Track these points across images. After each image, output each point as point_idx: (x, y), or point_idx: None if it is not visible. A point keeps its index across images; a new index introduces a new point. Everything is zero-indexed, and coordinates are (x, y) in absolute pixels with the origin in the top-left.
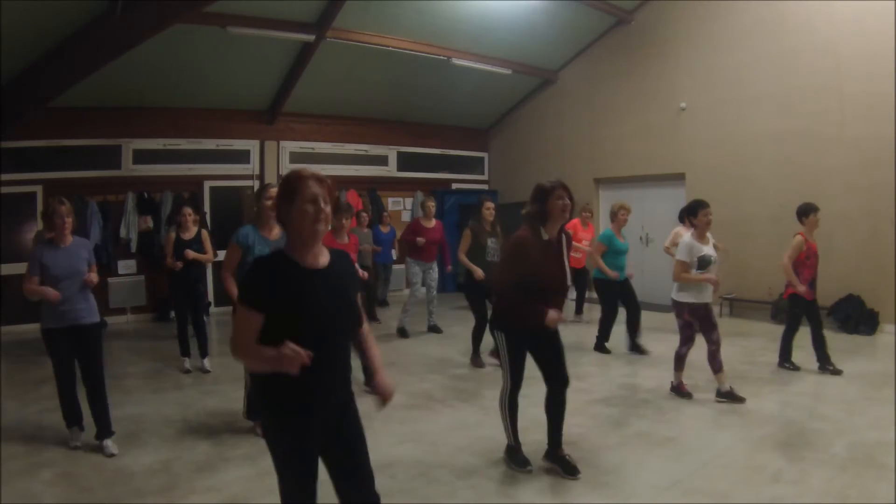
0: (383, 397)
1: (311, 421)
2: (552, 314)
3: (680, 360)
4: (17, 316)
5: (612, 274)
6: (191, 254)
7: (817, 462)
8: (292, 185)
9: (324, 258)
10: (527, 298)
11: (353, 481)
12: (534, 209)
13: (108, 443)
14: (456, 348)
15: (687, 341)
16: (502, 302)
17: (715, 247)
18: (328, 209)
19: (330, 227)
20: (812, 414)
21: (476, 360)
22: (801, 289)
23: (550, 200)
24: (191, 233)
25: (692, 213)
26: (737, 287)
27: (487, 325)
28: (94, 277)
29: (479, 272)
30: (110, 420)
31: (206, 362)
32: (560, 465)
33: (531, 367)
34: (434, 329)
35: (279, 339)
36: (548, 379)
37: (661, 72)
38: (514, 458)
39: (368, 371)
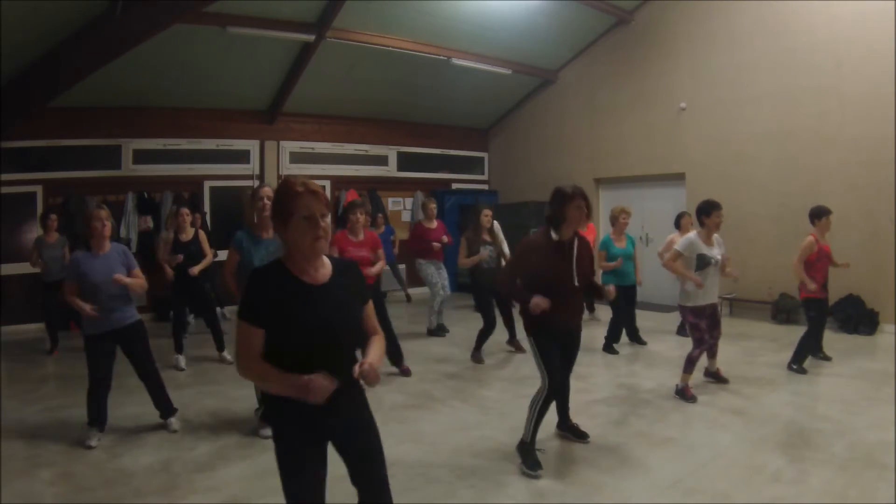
0: (365, 379)
1: (313, 436)
2: (536, 299)
3: (690, 363)
4: (17, 316)
5: (609, 291)
6: (195, 270)
7: (817, 462)
8: (286, 201)
9: (325, 271)
10: (528, 291)
11: (366, 493)
12: (551, 212)
13: (172, 420)
14: (457, 348)
15: (698, 344)
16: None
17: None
18: (326, 223)
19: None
20: (812, 414)
21: (475, 356)
22: (813, 286)
23: (569, 207)
24: (187, 234)
25: (706, 213)
26: (737, 287)
27: (493, 330)
28: (124, 279)
29: (482, 256)
30: (171, 401)
31: (227, 354)
32: (571, 432)
33: (532, 368)
34: (440, 329)
35: (279, 354)
36: None
37: (661, 72)
38: (528, 457)
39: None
